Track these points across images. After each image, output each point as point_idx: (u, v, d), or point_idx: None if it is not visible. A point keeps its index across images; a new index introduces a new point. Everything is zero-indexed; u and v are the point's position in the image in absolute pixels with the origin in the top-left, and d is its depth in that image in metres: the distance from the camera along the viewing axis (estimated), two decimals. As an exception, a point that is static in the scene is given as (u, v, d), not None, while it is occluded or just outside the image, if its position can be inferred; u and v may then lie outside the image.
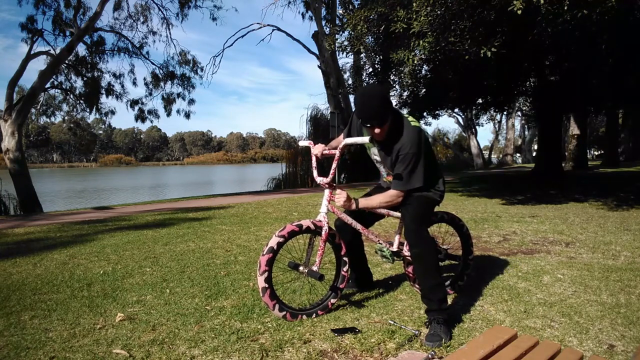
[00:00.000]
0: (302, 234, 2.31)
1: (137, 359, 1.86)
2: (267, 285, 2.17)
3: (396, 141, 2.20)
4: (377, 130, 2.15)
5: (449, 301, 2.44)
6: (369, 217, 2.54)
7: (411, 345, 1.97)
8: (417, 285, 2.55)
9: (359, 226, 2.43)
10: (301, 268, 2.32)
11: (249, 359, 1.86)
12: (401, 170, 2.19)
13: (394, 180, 2.24)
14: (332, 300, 2.39)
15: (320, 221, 2.30)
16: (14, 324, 2.27)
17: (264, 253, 2.17)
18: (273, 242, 2.19)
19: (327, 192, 2.32)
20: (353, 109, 2.59)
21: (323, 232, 2.30)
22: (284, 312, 2.23)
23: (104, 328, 2.20)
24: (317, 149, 2.44)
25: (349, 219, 2.41)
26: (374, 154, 2.39)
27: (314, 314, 2.31)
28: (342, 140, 2.33)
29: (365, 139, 2.20)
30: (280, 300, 2.25)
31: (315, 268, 2.28)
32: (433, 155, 2.41)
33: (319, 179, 2.34)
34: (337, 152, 2.33)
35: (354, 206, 2.24)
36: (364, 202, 2.26)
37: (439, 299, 2.15)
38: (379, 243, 2.51)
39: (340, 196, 2.21)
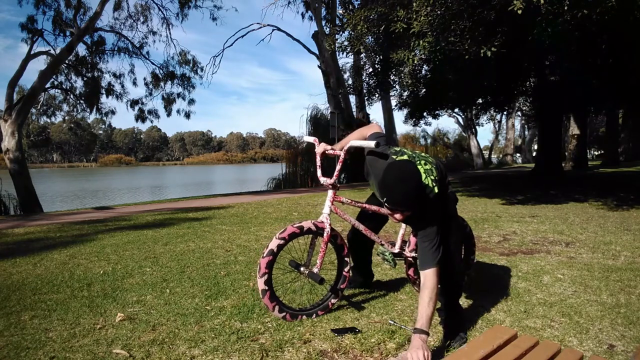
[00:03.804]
0: (303, 235, 2.29)
1: (137, 359, 1.86)
2: (266, 288, 2.17)
3: (415, 217, 1.95)
4: (397, 216, 1.87)
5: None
6: (375, 221, 2.53)
7: (411, 345, 1.97)
8: (417, 287, 2.55)
9: (361, 227, 2.41)
10: (302, 269, 2.31)
11: (249, 359, 1.86)
12: (426, 249, 1.92)
13: (421, 259, 1.93)
14: (333, 301, 2.38)
15: (322, 222, 2.28)
16: (14, 324, 2.27)
17: (264, 255, 2.16)
18: (273, 244, 2.17)
19: (330, 192, 2.29)
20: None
21: (325, 234, 2.27)
22: (284, 313, 2.23)
23: (104, 328, 2.20)
24: (320, 148, 2.35)
25: (351, 219, 2.40)
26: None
27: (314, 314, 2.31)
28: (349, 143, 2.23)
29: (371, 144, 2.09)
30: (280, 301, 2.24)
31: (316, 270, 2.26)
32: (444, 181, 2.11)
33: (323, 179, 2.30)
34: (341, 154, 2.28)
35: (426, 336, 1.76)
36: (427, 322, 1.79)
37: (456, 297, 2.18)
38: (381, 244, 2.49)
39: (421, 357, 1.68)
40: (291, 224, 2.24)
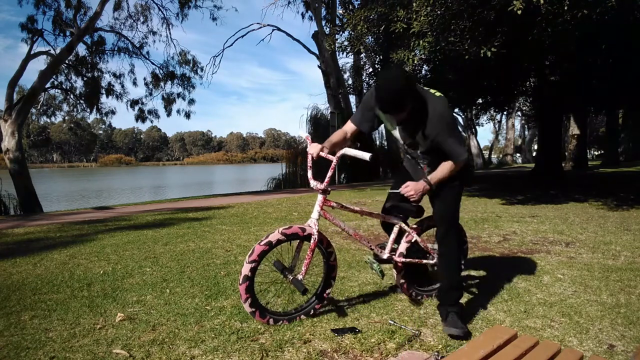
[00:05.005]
0: (279, 245, 2.19)
1: (137, 359, 1.86)
2: (254, 309, 2.15)
3: (423, 123, 2.09)
4: (398, 118, 2.12)
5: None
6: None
7: (411, 345, 1.97)
8: (411, 298, 2.54)
9: (351, 231, 2.39)
10: (287, 274, 2.24)
11: (249, 359, 1.86)
12: (449, 146, 2.11)
13: (453, 155, 2.15)
14: (328, 290, 2.37)
15: (310, 227, 2.21)
16: (14, 324, 2.27)
17: (240, 282, 2.12)
18: (245, 270, 2.11)
19: (320, 197, 2.23)
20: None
21: (312, 240, 2.20)
22: (280, 321, 2.22)
23: (104, 328, 2.20)
24: (314, 149, 2.24)
25: (341, 224, 2.36)
26: (397, 137, 2.32)
27: (312, 310, 2.31)
28: (343, 150, 2.22)
29: (365, 155, 2.08)
30: (272, 312, 2.23)
31: (300, 277, 2.20)
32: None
33: (313, 183, 2.24)
34: (333, 160, 2.22)
35: (427, 187, 2.18)
36: (435, 178, 2.17)
37: (458, 295, 2.22)
38: (371, 249, 2.45)
39: (411, 189, 2.16)
40: (257, 242, 2.16)
